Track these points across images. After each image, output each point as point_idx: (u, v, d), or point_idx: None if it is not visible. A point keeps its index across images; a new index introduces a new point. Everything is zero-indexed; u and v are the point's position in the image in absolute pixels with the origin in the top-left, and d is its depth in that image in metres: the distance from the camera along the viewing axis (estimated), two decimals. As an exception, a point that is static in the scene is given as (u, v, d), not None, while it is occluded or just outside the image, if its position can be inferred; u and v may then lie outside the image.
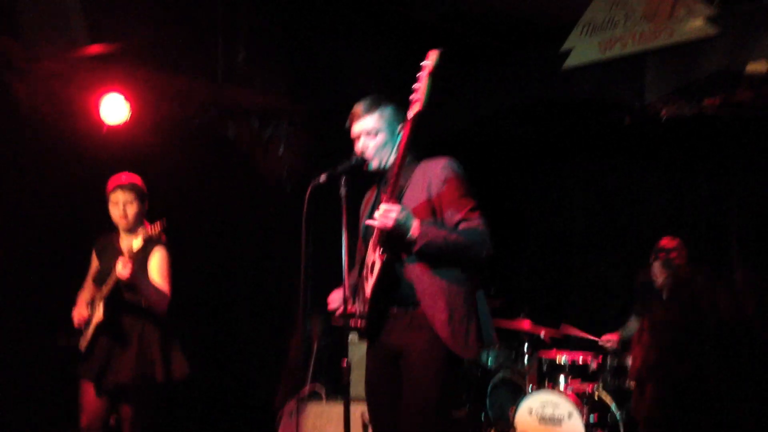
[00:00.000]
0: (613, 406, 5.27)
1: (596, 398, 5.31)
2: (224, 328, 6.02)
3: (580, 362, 5.55)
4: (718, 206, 6.64)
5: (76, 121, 5.11)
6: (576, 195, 7.52)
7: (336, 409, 5.19)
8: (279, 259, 6.24)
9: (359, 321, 3.18)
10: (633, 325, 5.80)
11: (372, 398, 3.24)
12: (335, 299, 3.27)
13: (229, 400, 5.95)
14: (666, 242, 5.48)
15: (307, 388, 5.54)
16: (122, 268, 3.77)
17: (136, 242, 3.84)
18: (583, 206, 7.45)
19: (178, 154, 5.52)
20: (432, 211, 3.10)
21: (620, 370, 5.31)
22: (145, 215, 4.20)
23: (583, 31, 5.47)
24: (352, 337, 4.69)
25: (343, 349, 5.89)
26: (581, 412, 5.00)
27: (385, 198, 3.00)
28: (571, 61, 5.59)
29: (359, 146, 3.25)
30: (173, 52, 5.21)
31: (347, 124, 3.30)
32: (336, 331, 6.09)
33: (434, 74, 2.93)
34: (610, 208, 7.26)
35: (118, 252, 4.04)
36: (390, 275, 3.07)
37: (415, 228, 2.95)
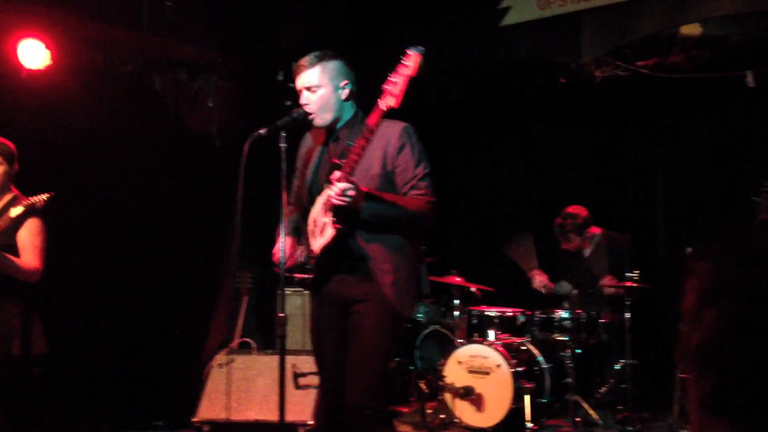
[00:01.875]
0: (540, 358, 5.36)
1: (524, 350, 5.40)
2: (152, 283, 5.90)
3: (509, 315, 5.63)
4: (646, 167, 6.76)
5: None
6: (509, 155, 7.56)
7: (266, 361, 5.20)
8: (206, 213, 6.12)
9: (306, 273, 3.28)
10: (565, 287, 5.91)
11: (319, 345, 3.33)
12: (279, 251, 3.28)
13: (157, 354, 5.86)
14: (565, 211, 5.73)
15: (236, 341, 5.51)
16: None
17: (16, 210, 3.66)
18: (516, 166, 7.51)
19: (102, 103, 5.33)
20: (385, 176, 3.19)
21: (548, 324, 5.41)
22: (13, 179, 3.92)
23: (522, -12, 5.45)
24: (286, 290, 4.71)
25: (274, 302, 5.86)
26: (509, 363, 5.07)
27: (343, 172, 3.00)
28: (510, 19, 5.56)
29: (302, 100, 3.26)
30: (96, -3, 5.01)
31: (292, 76, 3.30)
32: (266, 284, 6.04)
33: (414, 77, 3.01)
34: (543, 168, 7.34)
35: None
36: (341, 242, 3.17)
37: (362, 202, 3.05)
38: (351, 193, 2.96)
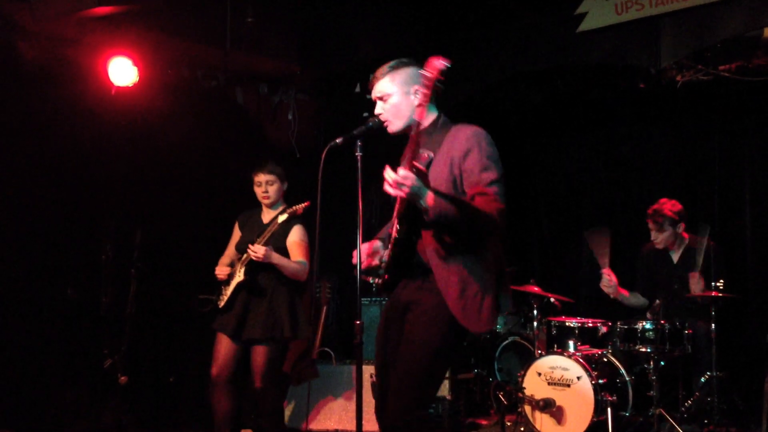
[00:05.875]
0: (622, 371, 5.26)
1: (606, 362, 5.30)
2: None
3: (590, 326, 5.53)
4: (731, 172, 6.57)
5: (84, 83, 5.11)
6: (588, 161, 7.45)
7: (345, 371, 5.24)
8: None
9: (378, 279, 3.25)
10: (638, 299, 5.75)
11: (378, 349, 3.28)
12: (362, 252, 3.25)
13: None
14: (661, 200, 5.59)
15: (316, 351, 5.58)
16: (254, 252, 4.33)
17: (282, 217, 4.47)
18: (596, 173, 7.38)
19: (187, 117, 5.53)
20: (453, 182, 3.09)
21: (630, 335, 5.27)
22: (284, 194, 4.75)
23: (599, -7, 5.39)
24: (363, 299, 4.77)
25: (353, 312, 5.92)
26: (590, 375, 4.99)
27: (405, 166, 2.94)
28: (586, 25, 5.50)
29: (376, 110, 3.27)
30: (181, 16, 5.22)
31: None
32: (346, 294, 6.10)
33: (435, 87, 2.96)
34: (623, 175, 7.20)
35: (260, 225, 4.66)
36: (403, 251, 3.11)
37: (428, 198, 2.91)
38: (408, 182, 2.83)
